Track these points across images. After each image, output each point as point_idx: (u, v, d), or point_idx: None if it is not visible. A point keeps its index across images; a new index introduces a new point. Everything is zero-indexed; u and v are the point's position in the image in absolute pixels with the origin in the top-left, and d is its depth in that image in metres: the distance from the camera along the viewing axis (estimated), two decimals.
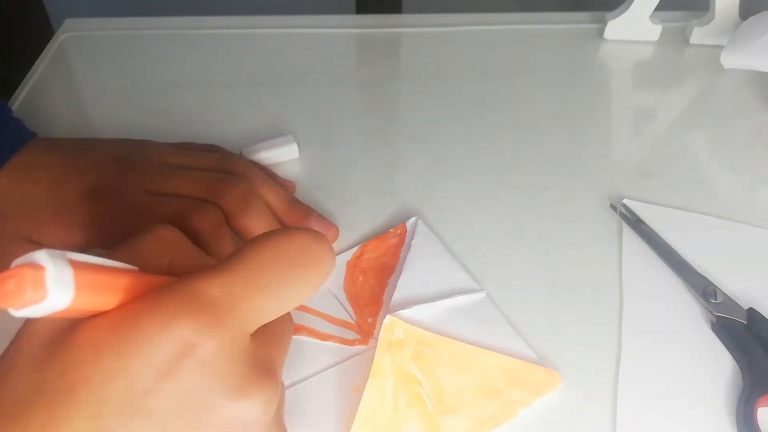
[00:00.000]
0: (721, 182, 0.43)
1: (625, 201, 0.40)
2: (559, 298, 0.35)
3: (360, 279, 0.35)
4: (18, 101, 0.48)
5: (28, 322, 0.20)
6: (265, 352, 0.22)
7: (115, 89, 0.49)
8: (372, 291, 0.35)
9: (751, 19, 0.48)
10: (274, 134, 0.43)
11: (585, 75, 0.52)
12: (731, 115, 0.49)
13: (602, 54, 0.55)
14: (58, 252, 0.18)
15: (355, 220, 0.39)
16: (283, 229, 0.24)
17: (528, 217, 0.39)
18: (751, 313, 0.33)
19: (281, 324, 0.24)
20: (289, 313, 0.25)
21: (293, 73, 0.51)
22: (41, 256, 0.18)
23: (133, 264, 0.22)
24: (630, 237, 0.38)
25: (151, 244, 0.24)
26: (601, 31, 0.56)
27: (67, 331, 0.20)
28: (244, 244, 0.22)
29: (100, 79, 0.51)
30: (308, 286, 0.23)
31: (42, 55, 0.53)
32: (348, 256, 0.36)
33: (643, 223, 0.39)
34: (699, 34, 0.54)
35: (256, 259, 0.22)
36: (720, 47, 0.48)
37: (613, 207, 0.40)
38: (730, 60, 0.48)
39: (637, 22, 0.54)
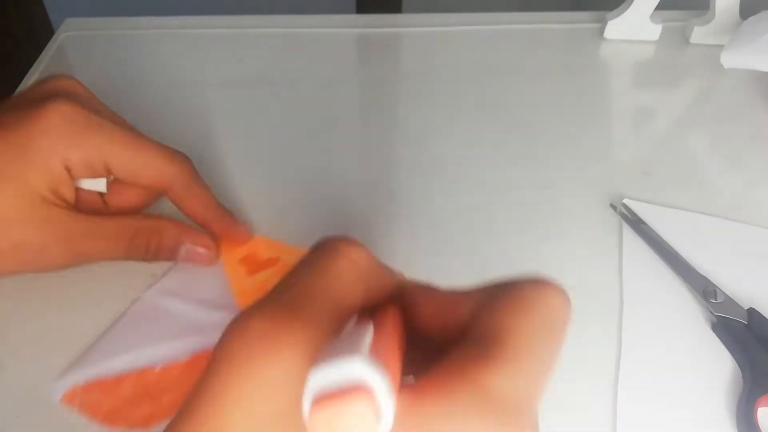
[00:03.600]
0: (721, 182, 0.43)
1: (625, 201, 0.40)
2: None
3: None
4: None
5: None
6: None
7: (115, 89, 0.49)
8: None
9: (751, 18, 0.48)
10: (274, 134, 0.43)
11: (585, 75, 0.52)
12: (731, 115, 0.49)
13: (602, 54, 0.55)
14: (380, 367, 0.14)
15: (355, 220, 0.39)
16: (529, 285, 0.19)
17: (528, 217, 0.39)
18: (751, 313, 0.33)
19: None
20: None
21: (293, 73, 0.51)
22: (375, 377, 0.13)
23: (334, 305, 0.18)
24: (630, 237, 0.38)
25: (347, 273, 0.20)
26: (601, 31, 0.56)
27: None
28: (498, 309, 0.18)
29: (100, 79, 0.50)
30: (558, 355, 0.18)
31: (42, 55, 0.53)
32: None
33: (643, 223, 0.38)
34: (699, 34, 0.54)
35: (526, 340, 0.17)
36: (720, 47, 0.48)
37: (613, 207, 0.40)
38: (730, 60, 0.48)
39: (638, 21, 0.54)
